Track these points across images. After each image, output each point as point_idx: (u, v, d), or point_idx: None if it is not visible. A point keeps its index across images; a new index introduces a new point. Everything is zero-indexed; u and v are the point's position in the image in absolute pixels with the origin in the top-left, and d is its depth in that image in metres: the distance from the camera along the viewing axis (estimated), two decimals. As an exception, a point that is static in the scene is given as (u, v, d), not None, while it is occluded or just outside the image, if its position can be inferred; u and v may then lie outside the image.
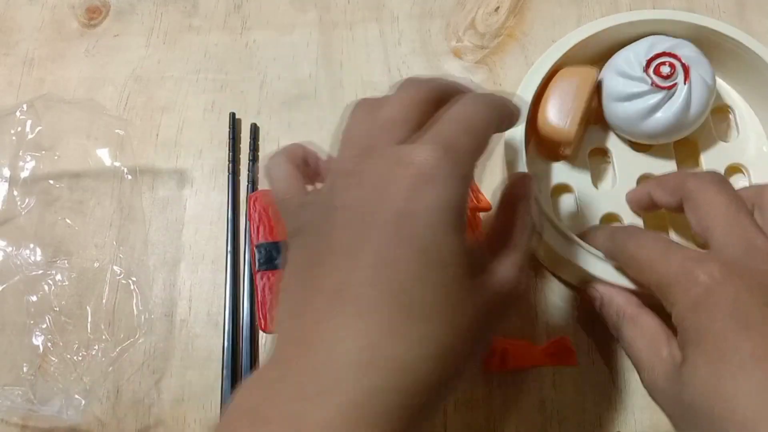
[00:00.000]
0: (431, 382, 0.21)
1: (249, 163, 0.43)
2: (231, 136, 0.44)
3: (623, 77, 0.36)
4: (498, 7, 0.48)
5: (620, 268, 0.32)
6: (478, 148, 0.23)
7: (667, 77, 0.35)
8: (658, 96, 0.35)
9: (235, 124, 0.44)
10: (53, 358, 0.37)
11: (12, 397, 0.35)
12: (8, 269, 0.39)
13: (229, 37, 0.48)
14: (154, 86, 0.46)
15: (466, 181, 0.22)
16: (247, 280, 0.40)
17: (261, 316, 0.36)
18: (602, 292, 0.33)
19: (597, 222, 0.38)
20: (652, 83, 0.35)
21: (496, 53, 0.46)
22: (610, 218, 0.38)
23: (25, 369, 0.37)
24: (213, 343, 0.39)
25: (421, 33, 0.47)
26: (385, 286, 0.21)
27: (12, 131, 0.41)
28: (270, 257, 0.37)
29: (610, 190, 0.39)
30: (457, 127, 0.23)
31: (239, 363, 0.38)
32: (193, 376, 0.38)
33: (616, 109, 0.37)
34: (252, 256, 0.37)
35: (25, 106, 0.41)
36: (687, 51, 0.36)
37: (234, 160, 0.43)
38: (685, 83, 0.35)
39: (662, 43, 0.36)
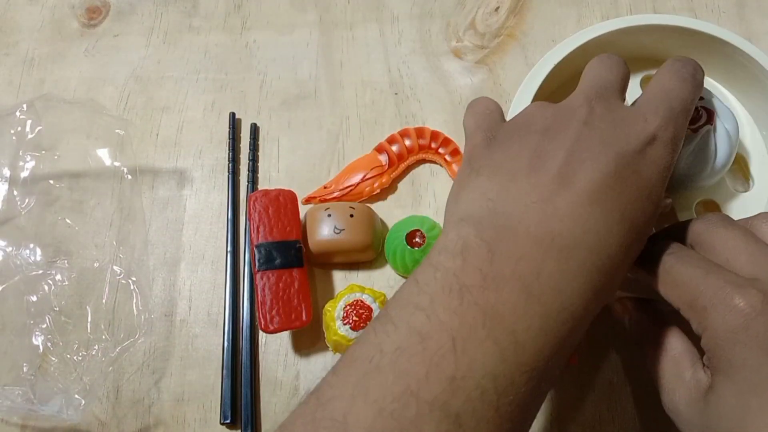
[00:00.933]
0: (616, 277, 0.26)
1: (249, 163, 0.43)
2: (231, 136, 0.44)
3: None
4: (498, 7, 0.48)
5: (649, 284, 0.30)
6: (687, 121, 0.29)
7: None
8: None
9: (235, 124, 0.44)
10: (53, 358, 0.37)
11: (12, 397, 0.35)
12: (8, 269, 0.39)
13: (229, 37, 0.48)
14: (154, 86, 0.46)
15: (678, 151, 0.29)
16: (247, 280, 0.40)
17: (261, 316, 0.36)
18: (630, 306, 0.33)
19: None
20: None
21: (496, 53, 0.46)
22: None
23: (25, 369, 0.37)
24: (213, 343, 0.39)
25: (421, 33, 0.47)
26: (615, 194, 0.26)
27: (12, 131, 0.41)
28: (270, 257, 0.37)
29: None
30: (678, 103, 0.28)
31: (239, 363, 0.38)
32: (193, 376, 0.38)
33: None
34: (252, 256, 0.37)
35: (25, 106, 0.41)
36: (712, 100, 0.35)
37: (234, 160, 0.43)
38: (705, 126, 0.33)
39: None
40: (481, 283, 0.24)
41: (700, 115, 0.34)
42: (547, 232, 0.25)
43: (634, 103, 0.29)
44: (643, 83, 0.41)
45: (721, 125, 0.34)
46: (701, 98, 0.34)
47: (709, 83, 0.40)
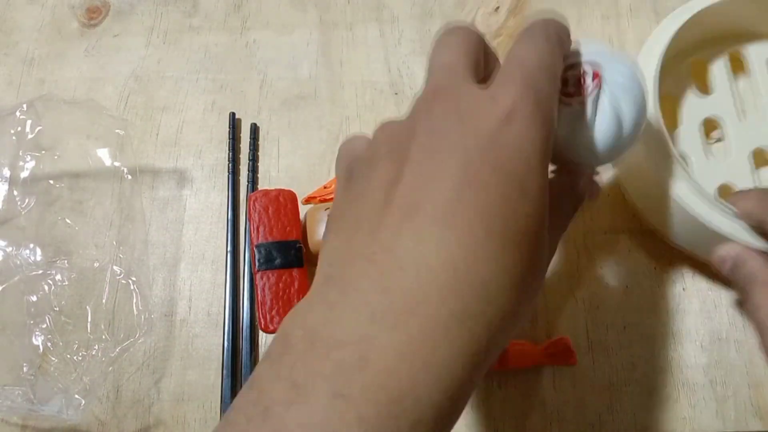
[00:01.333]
0: (506, 315, 0.20)
1: (249, 163, 0.43)
2: (231, 136, 0.44)
3: None
4: (498, 7, 0.48)
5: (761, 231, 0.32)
6: (555, 86, 0.24)
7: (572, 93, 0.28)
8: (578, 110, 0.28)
9: (235, 124, 0.44)
10: (53, 358, 0.37)
11: (12, 397, 0.35)
12: (8, 269, 0.39)
13: (229, 37, 0.48)
14: (154, 86, 0.46)
15: (552, 122, 0.23)
16: (247, 280, 0.40)
17: (261, 316, 0.36)
18: (735, 253, 0.33)
19: (712, 191, 0.38)
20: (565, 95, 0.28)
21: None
22: (725, 189, 0.39)
23: (25, 369, 0.37)
24: (213, 343, 0.39)
25: (421, 33, 0.47)
26: (472, 206, 0.20)
27: (12, 131, 0.41)
28: (270, 257, 0.37)
29: (724, 160, 0.40)
30: (533, 67, 0.23)
31: (239, 363, 0.38)
32: (193, 376, 0.38)
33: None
34: (252, 256, 0.37)
35: (25, 106, 0.41)
36: (593, 48, 0.29)
37: (234, 160, 0.43)
38: (594, 91, 0.28)
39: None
40: (287, 397, 0.18)
41: (582, 75, 0.28)
42: (382, 292, 0.19)
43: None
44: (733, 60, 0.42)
45: (617, 81, 0.28)
46: (579, 59, 0.28)
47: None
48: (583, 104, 0.27)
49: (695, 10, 0.38)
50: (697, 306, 0.39)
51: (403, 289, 0.19)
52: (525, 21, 0.46)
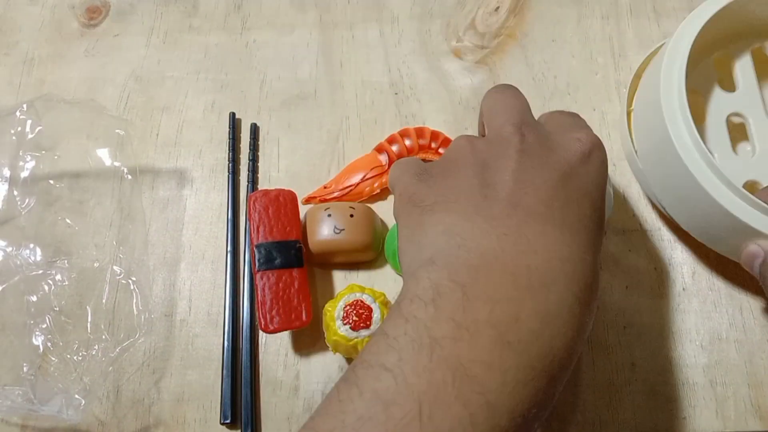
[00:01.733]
0: (595, 309, 0.25)
1: (249, 163, 0.43)
2: (231, 136, 0.44)
3: None
4: (498, 7, 0.48)
5: None
6: None
7: None
8: None
9: (235, 124, 0.44)
10: (53, 358, 0.37)
11: (12, 397, 0.35)
12: (8, 269, 0.39)
13: (229, 37, 0.48)
14: (154, 86, 0.46)
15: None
16: (247, 280, 0.40)
17: (261, 316, 0.36)
18: (766, 248, 0.32)
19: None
20: None
21: (496, 53, 0.46)
22: (751, 186, 0.38)
23: (25, 369, 0.37)
24: (213, 343, 0.39)
25: (421, 33, 0.47)
26: (573, 217, 0.25)
27: (12, 131, 0.41)
28: (270, 257, 0.37)
29: (750, 157, 0.39)
30: (588, 127, 0.30)
31: (239, 363, 0.38)
32: (193, 376, 0.38)
33: None
34: (252, 256, 0.37)
35: (25, 106, 0.41)
36: None
37: (234, 160, 0.43)
38: None
39: None
40: (454, 334, 0.22)
41: None
42: (524, 266, 0.23)
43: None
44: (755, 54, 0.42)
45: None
46: None
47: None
48: None
49: (721, 5, 0.37)
50: (697, 306, 0.39)
51: (538, 268, 0.23)
52: (524, 21, 0.47)
